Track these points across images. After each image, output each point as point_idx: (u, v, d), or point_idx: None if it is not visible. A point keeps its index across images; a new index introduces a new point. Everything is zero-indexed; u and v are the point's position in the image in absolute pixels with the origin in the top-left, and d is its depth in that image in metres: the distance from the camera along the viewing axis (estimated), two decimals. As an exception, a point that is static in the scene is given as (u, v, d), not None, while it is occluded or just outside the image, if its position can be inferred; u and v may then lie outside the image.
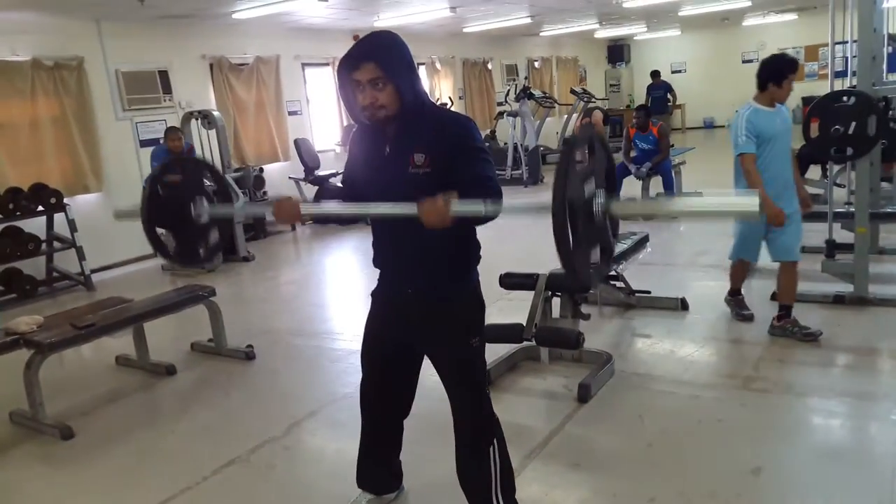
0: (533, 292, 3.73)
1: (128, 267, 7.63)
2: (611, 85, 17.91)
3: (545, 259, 4.54)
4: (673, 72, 17.63)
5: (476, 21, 11.12)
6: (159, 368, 4.41)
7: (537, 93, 12.49)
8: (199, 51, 8.60)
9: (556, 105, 13.09)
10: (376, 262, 2.33)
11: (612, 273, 4.42)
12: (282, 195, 2.29)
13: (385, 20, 9.69)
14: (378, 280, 2.36)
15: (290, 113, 9.76)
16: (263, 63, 9.30)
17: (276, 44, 9.44)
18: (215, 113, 7.65)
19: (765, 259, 4.05)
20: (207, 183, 2.49)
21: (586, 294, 3.76)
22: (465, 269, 2.25)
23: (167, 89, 8.20)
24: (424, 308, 2.23)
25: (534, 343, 3.61)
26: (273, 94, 9.44)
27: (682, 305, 4.63)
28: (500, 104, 13.45)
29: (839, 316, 4.31)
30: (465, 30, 11.85)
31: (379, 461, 2.59)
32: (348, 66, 2.04)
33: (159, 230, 2.41)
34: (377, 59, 2.01)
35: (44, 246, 6.78)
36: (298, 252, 8.47)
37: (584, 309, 4.05)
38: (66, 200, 6.87)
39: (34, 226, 6.71)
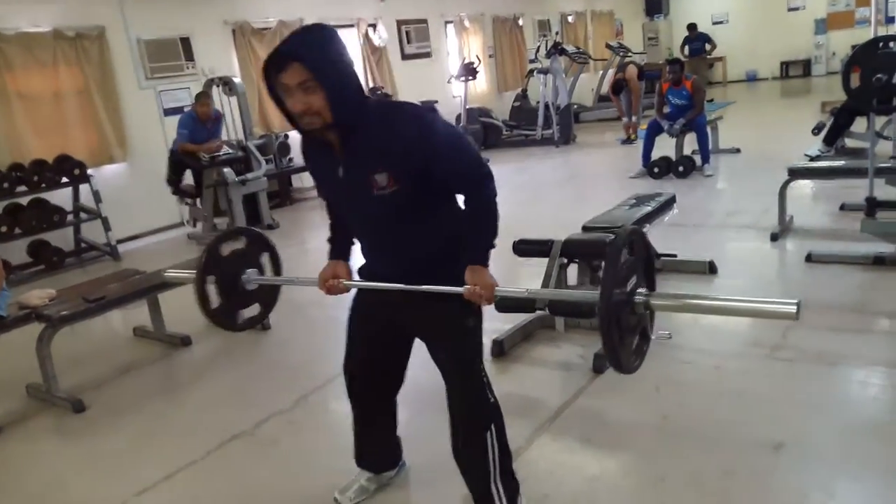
0: (548, 259, 3.56)
1: (155, 237, 7.67)
2: (649, 38, 17.28)
3: (571, 222, 4.41)
4: (714, 23, 16.93)
5: (504, -25, 10.76)
6: (175, 340, 4.39)
7: (570, 48, 12.08)
8: (220, 16, 8.47)
9: (589, 61, 12.67)
10: (361, 250, 2.20)
11: (635, 237, 4.21)
12: (328, 269, 2.19)
13: (409, -22, 9.42)
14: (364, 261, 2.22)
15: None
16: (286, 27, 9.13)
17: (299, 7, 9.25)
18: (236, 79, 7.55)
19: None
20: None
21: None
22: (455, 254, 2.02)
23: (189, 56, 8.12)
24: (412, 295, 2.05)
25: (547, 312, 3.46)
26: (297, 58, 9.29)
27: (711, 269, 4.41)
28: (531, 61, 13.08)
29: (878, 279, 4.05)
30: (492, -15, 11.49)
31: (374, 440, 2.49)
32: (274, 68, 1.78)
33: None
34: (303, 59, 1.74)
35: (70, 217, 6.83)
36: (325, 219, 8.37)
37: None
38: (91, 171, 6.89)
39: (60, 197, 6.75)
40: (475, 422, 2.14)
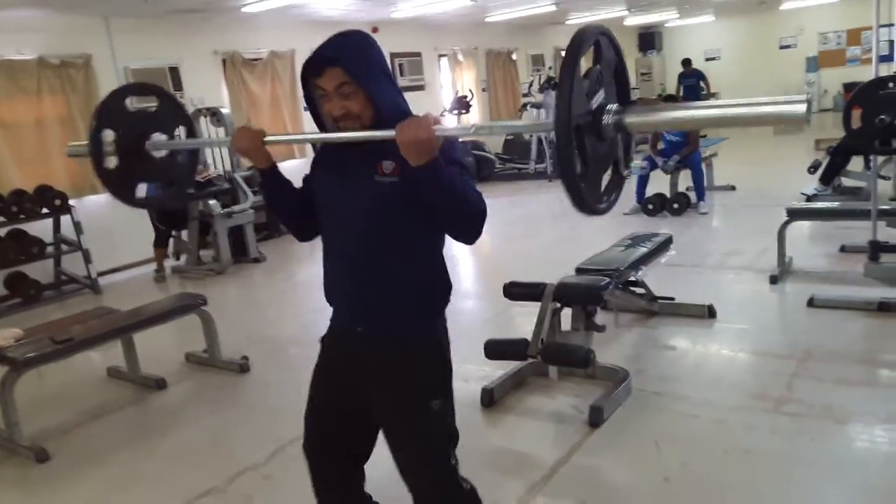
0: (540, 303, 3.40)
1: (137, 269, 7.45)
2: (641, 74, 17.37)
3: (564, 261, 4.26)
4: (707, 59, 17.03)
5: (498, 10, 10.74)
6: (149, 382, 4.18)
7: (563, 83, 12.08)
8: (210, 46, 8.38)
9: (583, 95, 12.67)
10: (328, 295, 1.94)
11: (632, 279, 4.06)
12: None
13: (403, 11, 9.40)
14: (330, 321, 1.98)
15: (306, 108, 9.49)
16: (278, 58, 9.06)
17: (291, 38, 9.18)
18: (224, 110, 7.42)
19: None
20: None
21: (599, 305, 3.41)
22: (429, 310, 1.87)
23: (178, 86, 7.99)
24: (375, 352, 1.84)
25: (539, 360, 3.28)
26: (288, 88, 9.20)
27: (710, 313, 4.24)
28: (525, 95, 13.06)
29: (884, 325, 3.90)
30: (487, 19, 11.47)
31: None
32: (311, 72, 1.74)
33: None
34: (342, 63, 1.69)
35: (50, 249, 6.63)
36: (313, 251, 8.21)
37: (600, 318, 3.71)
38: (73, 202, 6.72)
39: (40, 228, 6.56)
40: None
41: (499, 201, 9.73)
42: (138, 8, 7.11)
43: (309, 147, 9.02)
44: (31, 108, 6.74)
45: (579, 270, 3.84)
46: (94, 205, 7.26)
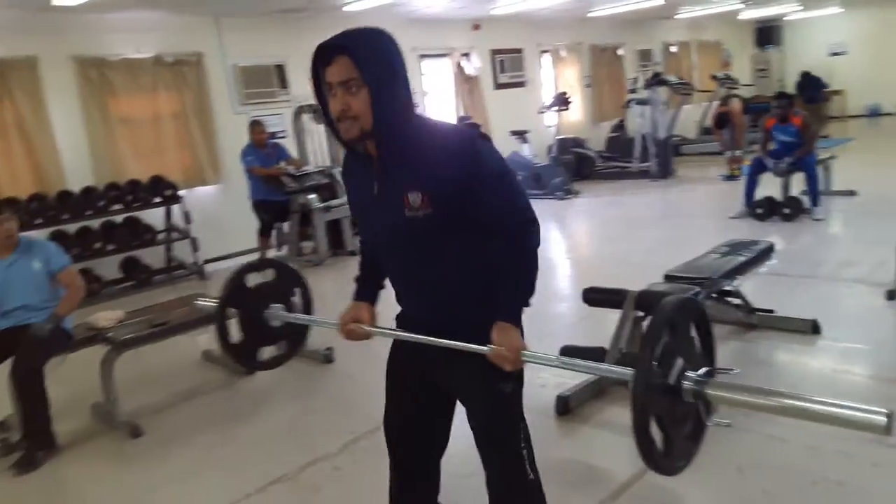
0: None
1: (242, 258, 7.76)
2: (758, 70, 16.46)
3: (659, 266, 4.07)
4: (831, 54, 15.91)
5: (603, 4, 10.47)
6: (238, 368, 4.35)
7: (672, 79, 11.61)
8: (315, 44, 8.57)
9: (693, 92, 12.14)
10: (397, 297, 1.97)
11: (727, 288, 3.84)
12: (349, 313, 2.00)
13: (503, 7, 9.32)
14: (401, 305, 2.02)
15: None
16: (380, 55, 9.20)
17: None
18: (324, 107, 7.61)
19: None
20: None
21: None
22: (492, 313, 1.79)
23: (283, 83, 8.28)
24: (442, 356, 1.83)
25: (617, 370, 3.14)
26: (389, 86, 9.33)
27: (814, 329, 3.93)
28: (631, 92, 12.67)
29: None
30: (590, 14, 11.22)
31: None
32: (320, 61, 1.64)
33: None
34: (352, 53, 1.59)
35: (161, 236, 7.04)
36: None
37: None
38: (184, 192, 7.12)
39: (153, 217, 6.99)
40: (511, 501, 1.88)
41: (598, 201, 9.50)
42: (247, 8, 7.42)
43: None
44: (148, 103, 7.18)
45: (668, 277, 3.66)
46: (203, 195, 7.67)
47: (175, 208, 7.09)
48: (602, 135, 12.13)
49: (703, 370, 1.52)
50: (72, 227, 6.44)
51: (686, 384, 1.50)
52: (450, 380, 1.90)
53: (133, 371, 4.32)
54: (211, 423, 3.71)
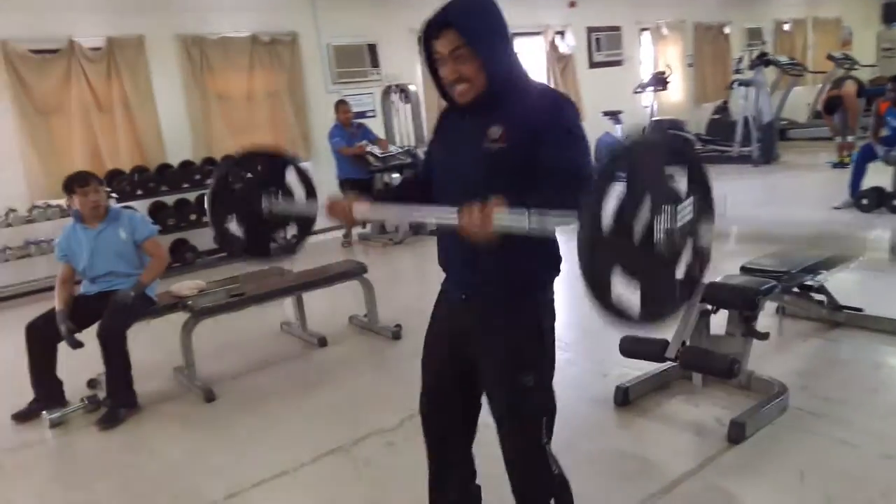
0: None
1: (329, 234, 7.99)
2: (884, 49, 15.19)
3: (746, 257, 3.88)
4: (970, 31, 14.49)
5: (708, -20, 9.98)
6: (313, 339, 4.50)
7: (782, 59, 10.96)
8: (407, 24, 8.66)
9: (805, 73, 11.42)
10: (439, 259, 1.98)
11: (810, 283, 3.61)
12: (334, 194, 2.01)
13: (601, -17, 9.04)
14: (442, 283, 2.04)
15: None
16: (472, 33, 9.15)
17: (485, 13, 9.23)
18: (411, 87, 7.68)
19: None
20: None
21: (755, 310, 3.05)
22: (531, 282, 1.83)
23: (375, 63, 8.39)
24: (474, 319, 1.85)
25: (677, 364, 3.02)
26: (480, 65, 9.27)
27: (909, 330, 3.65)
28: (736, 72, 12.05)
29: None
30: (695, -10, 10.72)
31: (449, 489, 2.27)
32: (428, 36, 1.75)
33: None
34: (458, 26, 1.69)
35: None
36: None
37: (770, 321, 3.34)
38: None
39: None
40: (533, 497, 1.86)
41: (691, 186, 9.12)
42: (342, -13, 7.55)
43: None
44: (243, 81, 7.46)
45: (744, 269, 3.48)
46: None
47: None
48: (704, 117, 11.61)
49: (687, 217, 1.37)
50: (170, 199, 6.81)
51: (659, 234, 1.34)
52: (479, 362, 1.90)
53: (216, 338, 4.57)
54: (278, 392, 3.86)
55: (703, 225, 1.40)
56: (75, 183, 3.61)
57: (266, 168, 2.25)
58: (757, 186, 8.83)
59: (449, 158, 1.88)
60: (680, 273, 1.42)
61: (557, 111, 1.72)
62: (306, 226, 2.29)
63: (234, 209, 2.19)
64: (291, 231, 2.28)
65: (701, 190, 1.45)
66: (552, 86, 9.79)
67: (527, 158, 1.69)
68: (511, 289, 1.81)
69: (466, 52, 1.69)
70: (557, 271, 1.87)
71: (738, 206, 7.68)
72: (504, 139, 1.71)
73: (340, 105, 7.08)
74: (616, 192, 1.31)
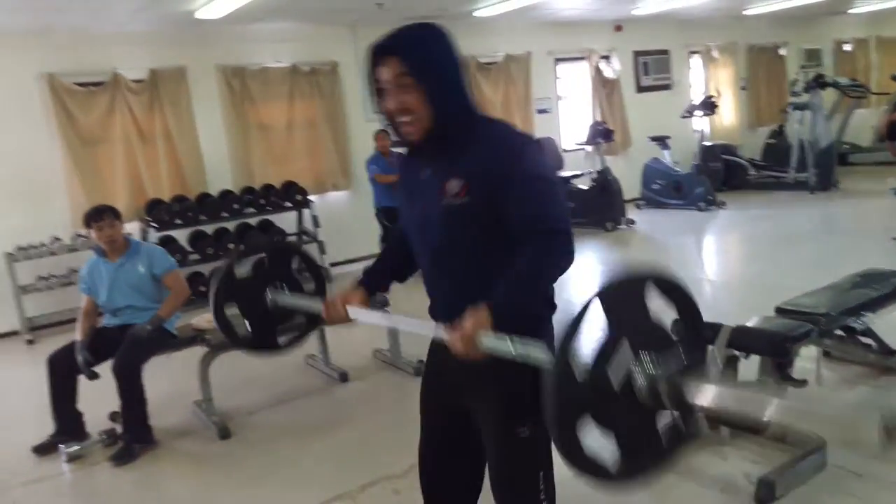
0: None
1: (365, 262, 7.96)
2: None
3: (785, 294, 3.63)
4: None
5: (759, 1, 9.65)
6: (334, 374, 4.43)
7: (841, 80, 10.51)
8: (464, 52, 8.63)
9: (867, 94, 10.93)
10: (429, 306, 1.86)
11: (854, 325, 3.34)
12: (338, 295, 1.91)
13: (646, 7, 8.85)
14: None
15: (539, 111, 9.40)
16: (513, 60, 9.07)
17: (527, 40, 9.15)
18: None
19: None
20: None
21: (785, 358, 2.83)
22: (524, 322, 1.63)
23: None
24: (466, 366, 1.71)
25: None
26: (522, 91, 9.17)
27: (968, 378, 3.35)
28: (794, 94, 11.62)
29: None
30: (746, 12, 10.38)
31: None
32: (370, 62, 1.64)
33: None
34: (401, 53, 1.59)
35: (291, 238, 7.38)
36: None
37: (805, 368, 3.09)
38: (315, 197, 7.41)
39: (285, 220, 7.35)
40: None
41: (744, 214, 8.80)
42: (382, 16, 7.55)
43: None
44: (283, 111, 7.52)
45: (780, 311, 3.25)
46: (333, 201, 7.94)
47: (305, 212, 7.40)
48: (759, 141, 11.22)
49: (675, 366, 1.26)
50: (210, 228, 6.89)
51: (640, 381, 1.25)
52: (474, 412, 1.77)
53: (240, 370, 4.53)
54: (293, 430, 3.78)
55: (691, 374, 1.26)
56: (91, 218, 3.65)
57: (271, 260, 2.22)
58: (812, 215, 8.43)
59: (412, 214, 1.78)
60: (664, 423, 1.31)
61: (520, 156, 1.59)
62: (312, 317, 2.21)
63: (239, 303, 2.15)
64: (300, 320, 2.24)
65: (689, 333, 1.35)
66: (598, 112, 9.69)
67: (491, 212, 1.59)
68: (501, 331, 1.68)
69: (409, 82, 1.58)
70: (552, 307, 1.73)
71: (792, 236, 7.34)
72: (464, 192, 1.60)
73: (379, 134, 7.06)
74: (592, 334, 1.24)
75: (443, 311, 1.75)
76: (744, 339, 2.83)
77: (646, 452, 1.31)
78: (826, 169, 9.52)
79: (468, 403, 1.77)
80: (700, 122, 10.14)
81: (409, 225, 1.82)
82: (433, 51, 1.62)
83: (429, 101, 1.58)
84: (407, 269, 1.93)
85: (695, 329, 1.37)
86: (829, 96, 10.36)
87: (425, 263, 1.79)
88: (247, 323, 2.15)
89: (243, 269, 2.16)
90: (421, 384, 1.94)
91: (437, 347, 1.88)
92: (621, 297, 1.29)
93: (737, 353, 2.91)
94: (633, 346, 1.25)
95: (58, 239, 6.27)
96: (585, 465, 1.25)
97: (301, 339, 2.27)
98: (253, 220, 7.16)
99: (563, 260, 1.57)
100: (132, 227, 6.68)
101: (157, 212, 6.53)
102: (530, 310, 1.62)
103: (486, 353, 1.47)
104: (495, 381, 1.68)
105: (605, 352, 1.24)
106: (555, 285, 1.70)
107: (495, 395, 1.69)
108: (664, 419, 1.31)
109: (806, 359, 3.26)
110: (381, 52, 1.60)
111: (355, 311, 1.84)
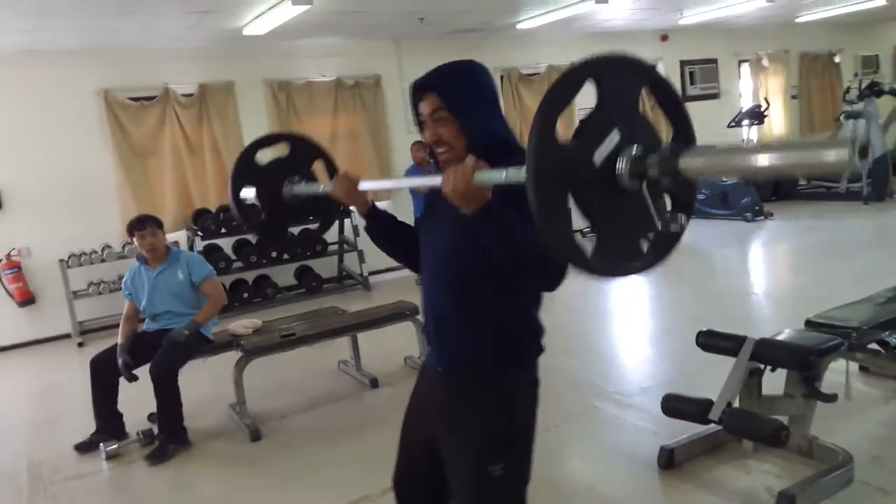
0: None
1: (403, 272, 8.05)
2: None
3: (824, 307, 3.53)
4: None
5: (811, 9, 9.43)
6: (365, 380, 4.50)
7: (897, 88, 10.17)
8: (490, 63, 8.49)
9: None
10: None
11: (889, 340, 3.25)
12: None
13: (690, 17, 8.75)
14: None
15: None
16: (557, 71, 9.06)
17: (571, 51, 9.07)
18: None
19: None
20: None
21: (811, 371, 2.75)
22: (504, 360, 1.71)
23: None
24: (445, 395, 1.75)
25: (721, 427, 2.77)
26: (565, 102, 9.15)
27: None
28: (850, 103, 11.28)
29: None
30: (798, 20, 10.14)
31: None
32: (414, 99, 1.78)
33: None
34: (437, 89, 1.70)
35: (332, 247, 7.52)
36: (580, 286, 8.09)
37: (835, 381, 3.02)
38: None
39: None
40: None
41: (792, 225, 8.58)
42: (425, 30, 7.68)
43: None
44: (327, 123, 7.70)
45: (809, 324, 3.18)
46: (374, 210, 8.03)
47: (346, 222, 7.52)
48: (810, 151, 10.92)
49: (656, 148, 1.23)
50: (253, 238, 7.07)
51: (620, 164, 1.21)
52: (446, 447, 1.77)
53: (275, 375, 4.66)
54: (321, 434, 3.86)
55: (680, 158, 1.20)
56: (134, 227, 3.81)
57: (292, 154, 2.25)
58: (864, 227, 8.17)
59: (428, 232, 1.84)
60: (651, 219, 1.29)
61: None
62: (326, 218, 2.35)
63: (258, 189, 2.18)
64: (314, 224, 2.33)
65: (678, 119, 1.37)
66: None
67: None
68: (484, 365, 1.71)
69: (444, 115, 1.68)
70: (538, 348, 1.74)
71: (842, 248, 7.12)
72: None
73: (416, 145, 7.15)
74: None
75: (435, 326, 1.80)
76: (768, 352, 2.78)
77: (626, 243, 1.29)
78: (880, 179, 9.21)
79: (442, 436, 1.77)
80: (748, 132, 9.95)
81: (422, 237, 1.87)
82: (466, 86, 1.72)
83: (463, 132, 1.68)
84: (405, 243, 1.95)
85: (688, 138, 1.35)
86: (885, 104, 10.03)
87: (428, 274, 1.83)
88: (261, 205, 2.19)
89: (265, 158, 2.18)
90: (407, 409, 1.95)
91: (422, 375, 1.94)
92: (615, 75, 1.27)
93: (759, 365, 2.86)
94: (622, 135, 1.23)
95: (108, 247, 6.55)
96: (562, 244, 1.21)
97: (320, 233, 2.26)
98: (294, 230, 7.32)
99: (555, 270, 1.54)
100: (179, 236, 6.93)
101: (203, 221, 6.75)
102: (508, 240, 1.55)
103: (478, 188, 1.46)
104: (473, 416, 1.70)
105: (591, 131, 1.22)
106: (544, 324, 1.73)
107: (472, 429, 1.69)
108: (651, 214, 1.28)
109: (839, 373, 3.19)
110: (421, 89, 1.73)
111: (363, 183, 1.92)
